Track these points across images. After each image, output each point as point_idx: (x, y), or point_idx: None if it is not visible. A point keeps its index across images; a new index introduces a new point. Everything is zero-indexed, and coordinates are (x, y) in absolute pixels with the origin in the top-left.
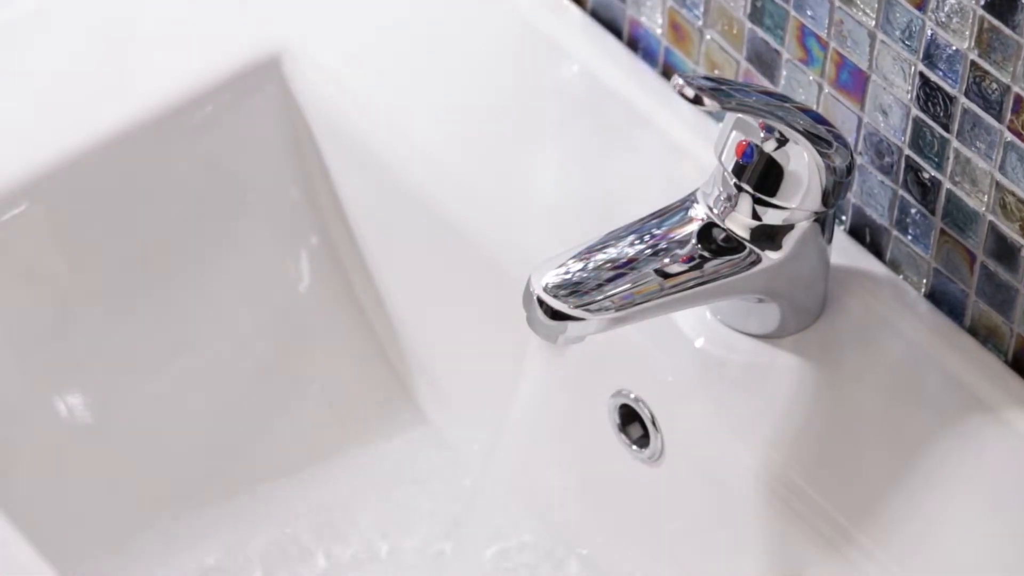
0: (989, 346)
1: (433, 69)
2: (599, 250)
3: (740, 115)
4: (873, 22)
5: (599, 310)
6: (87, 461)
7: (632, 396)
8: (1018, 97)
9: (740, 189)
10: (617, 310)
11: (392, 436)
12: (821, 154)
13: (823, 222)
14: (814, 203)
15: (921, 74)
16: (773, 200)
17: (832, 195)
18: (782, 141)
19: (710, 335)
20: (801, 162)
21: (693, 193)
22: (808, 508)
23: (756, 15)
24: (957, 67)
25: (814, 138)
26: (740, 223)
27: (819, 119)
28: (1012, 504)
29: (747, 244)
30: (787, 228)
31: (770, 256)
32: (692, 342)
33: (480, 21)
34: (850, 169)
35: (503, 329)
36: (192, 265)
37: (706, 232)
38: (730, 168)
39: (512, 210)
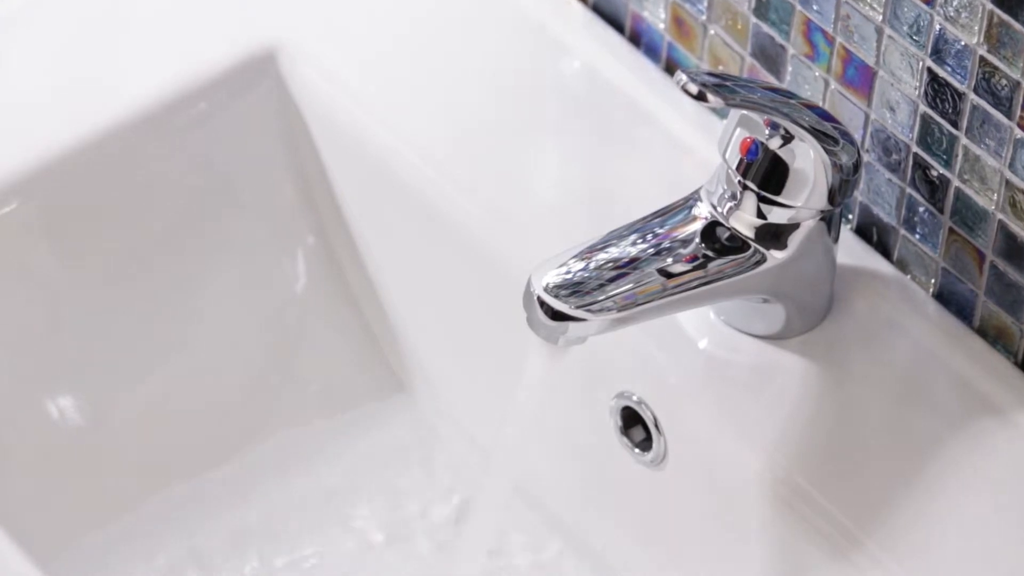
0: (998, 347)
1: (432, 65)
2: (601, 249)
3: (744, 112)
4: (880, 17)
5: (601, 311)
6: (79, 460)
7: (635, 398)
8: None
9: (745, 187)
10: (619, 310)
11: (389, 435)
12: (827, 151)
13: (829, 221)
14: (820, 201)
15: (929, 70)
16: (778, 198)
17: (838, 193)
18: (787, 138)
19: (714, 336)
20: (807, 160)
21: (696, 191)
22: (813, 511)
23: (761, 9)
24: (966, 63)
25: (820, 135)
26: (744, 222)
27: (825, 116)
28: (1021, 507)
29: (752, 243)
30: (793, 227)
31: (775, 255)
32: (696, 343)
33: (480, 16)
34: (857, 167)
35: (503, 329)
36: (186, 264)
37: (710, 231)
38: (734, 166)
39: (512, 208)
